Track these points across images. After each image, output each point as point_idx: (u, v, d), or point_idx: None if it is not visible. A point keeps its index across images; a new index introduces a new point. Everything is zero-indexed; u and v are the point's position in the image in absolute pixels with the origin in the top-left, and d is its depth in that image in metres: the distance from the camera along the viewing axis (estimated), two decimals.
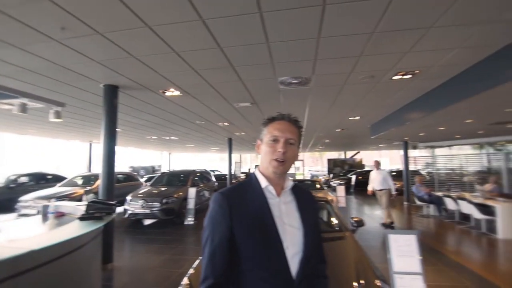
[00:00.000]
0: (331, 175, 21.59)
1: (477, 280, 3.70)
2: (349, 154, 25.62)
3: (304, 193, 1.12)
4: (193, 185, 8.47)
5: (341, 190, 7.75)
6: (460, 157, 10.56)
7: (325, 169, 25.36)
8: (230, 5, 2.28)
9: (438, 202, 7.77)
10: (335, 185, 18.32)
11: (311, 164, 37.12)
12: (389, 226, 6.77)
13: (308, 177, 26.79)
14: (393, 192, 6.96)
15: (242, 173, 15.59)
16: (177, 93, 4.81)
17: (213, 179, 11.04)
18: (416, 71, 3.92)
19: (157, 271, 4.14)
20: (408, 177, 10.71)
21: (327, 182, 19.63)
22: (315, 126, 9.13)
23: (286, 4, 2.26)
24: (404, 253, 2.13)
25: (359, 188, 15.99)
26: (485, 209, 5.92)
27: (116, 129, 4.55)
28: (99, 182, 4.50)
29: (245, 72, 3.90)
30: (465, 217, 6.89)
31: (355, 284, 1.90)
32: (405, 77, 4.13)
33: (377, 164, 7.24)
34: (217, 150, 19.72)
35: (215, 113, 6.76)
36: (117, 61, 3.42)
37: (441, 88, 4.53)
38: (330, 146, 18.71)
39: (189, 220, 7.49)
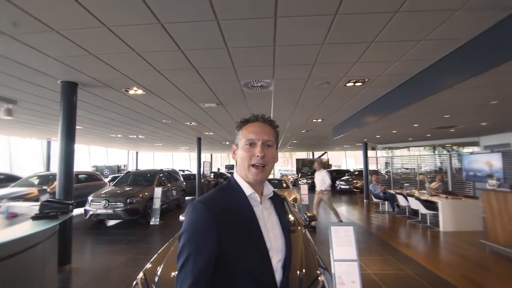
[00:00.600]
0: (299, 175, 22.30)
1: (417, 268, 4.16)
2: (317, 154, 26.58)
3: (277, 196, 1.09)
4: (159, 185, 8.37)
5: (304, 189, 8.13)
6: (414, 158, 11.55)
7: (295, 168, 26.11)
8: (188, 11, 2.40)
9: (391, 199, 8.45)
10: (301, 183, 19.07)
11: (282, 164, 37.98)
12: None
13: (278, 176, 27.48)
14: (323, 189, 6.74)
15: (212, 172, 15.57)
16: (140, 91, 4.79)
17: (181, 178, 10.95)
18: (366, 79, 4.31)
19: (118, 271, 4.12)
20: (367, 177, 11.46)
21: (295, 181, 20.34)
22: (282, 127, 9.44)
23: (240, 14, 2.44)
24: (343, 243, 2.40)
25: None
26: (430, 205, 6.59)
27: (76, 127, 4.43)
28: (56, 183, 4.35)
29: (208, 75, 4.02)
30: (415, 213, 7.58)
31: (298, 272, 2.12)
32: (357, 84, 4.52)
33: (318, 165, 7.26)
34: (187, 149, 19.46)
35: (181, 113, 6.77)
36: (75, 58, 3.37)
37: (390, 94, 5.00)
38: (299, 146, 19.31)
39: (155, 220, 7.42)
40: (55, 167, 4.33)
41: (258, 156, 0.94)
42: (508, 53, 2.49)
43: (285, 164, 40.23)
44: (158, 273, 2.20)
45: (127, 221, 7.33)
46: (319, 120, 8.12)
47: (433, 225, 6.58)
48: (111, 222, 7.55)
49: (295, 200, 7.68)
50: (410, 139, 10.12)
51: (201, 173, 12.40)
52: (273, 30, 2.71)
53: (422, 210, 6.60)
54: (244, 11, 2.39)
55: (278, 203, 1.08)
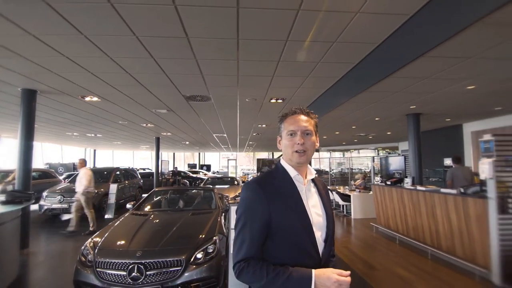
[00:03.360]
0: (259, 173, 23.69)
1: None
2: (278, 154, 28.22)
3: (320, 182, 1.21)
4: (115, 182, 8.94)
5: None
6: (346, 159, 13.35)
7: (256, 168, 27.46)
8: (128, 50, 3.32)
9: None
10: None
11: (247, 163, 39.31)
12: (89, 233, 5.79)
13: (240, 175, 28.68)
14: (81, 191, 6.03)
15: (170, 171, 16.15)
16: (96, 99, 5.52)
17: (139, 176, 11.51)
18: (284, 98, 5.52)
19: (71, 253, 4.83)
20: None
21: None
22: (233, 131, 10.51)
23: (169, 54, 3.42)
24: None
25: None
26: (347, 197, 8.09)
27: (34, 128, 5.04)
28: (13, 176, 4.92)
29: (154, 89, 4.91)
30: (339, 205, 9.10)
31: (200, 236, 3.16)
32: (278, 101, 5.71)
33: (80, 164, 6.42)
34: (148, 148, 19.71)
35: (136, 116, 7.50)
36: (36, 73, 4.06)
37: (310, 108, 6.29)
38: (259, 147, 20.55)
39: (110, 214, 8.02)
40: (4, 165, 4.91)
41: (298, 143, 1.07)
42: (364, 85, 3.75)
43: (250, 164, 41.74)
44: (102, 239, 3.10)
45: (82, 216, 7.85)
46: (264, 126, 9.32)
47: (348, 213, 8.09)
48: (66, 217, 8.00)
49: (240, 195, 8.78)
50: (343, 143, 11.81)
51: (159, 171, 13.01)
52: (197, 66, 3.73)
53: (340, 201, 8.09)
54: (173, 52, 3.37)
55: (322, 186, 1.20)
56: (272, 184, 1.07)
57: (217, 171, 24.88)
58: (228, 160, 29.62)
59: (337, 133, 8.27)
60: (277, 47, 3.17)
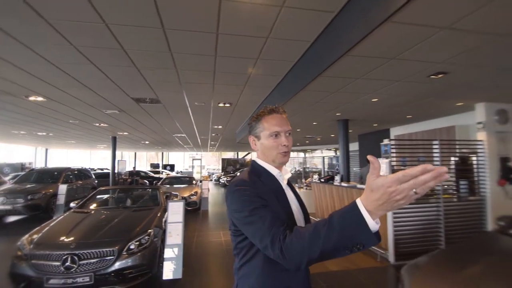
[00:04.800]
0: (223, 173, 23.97)
1: None
2: (242, 154, 28.72)
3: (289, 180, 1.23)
4: (65, 182, 8.74)
5: (206, 184, 9.58)
6: (305, 159, 14.27)
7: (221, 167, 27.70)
8: (67, 56, 3.52)
9: None
10: (223, 181, 20.63)
11: (214, 163, 39.32)
12: None
13: (205, 174, 28.73)
14: None
15: (128, 171, 15.84)
16: (40, 98, 5.50)
17: (93, 176, 11.25)
18: (231, 103, 5.96)
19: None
20: None
21: (218, 179, 21.98)
22: (191, 131, 10.75)
23: (113, 62, 3.68)
24: (175, 212, 3.84)
25: None
26: None
27: None
28: None
29: (101, 91, 5.06)
30: None
31: (137, 229, 3.48)
32: (226, 105, 6.14)
33: None
34: (106, 147, 19.05)
35: (87, 116, 7.46)
36: None
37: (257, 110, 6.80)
38: (222, 147, 20.82)
39: (59, 215, 7.85)
40: None
41: (284, 145, 1.10)
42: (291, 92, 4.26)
43: (216, 163, 41.78)
44: (39, 235, 3.28)
45: (29, 217, 7.61)
46: (220, 127, 9.69)
47: None
48: (12, 218, 7.70)
49: (195, 193, 9.08)
50: (298, 144, 12.60)
51: (116, 172, 12.78)
52: (140, 74, 4.02)
53: None
54: (114, 61, 3.64)
55: (291, 185, 1.22)
56: (260, 181, 1.07)
57: (181, 171, 24.68)
58: (193, 159, 29.50)
59: (298, 130, 8.93)
60: (208, 61, 3.59)
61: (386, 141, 4.10)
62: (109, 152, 27.09)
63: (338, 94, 4.71)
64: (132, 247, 3.21)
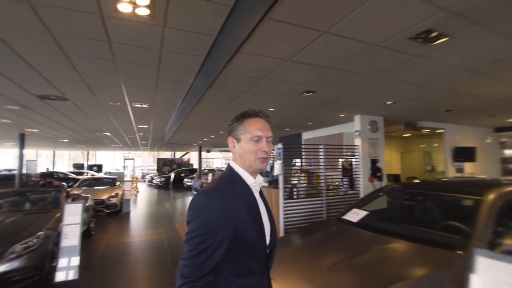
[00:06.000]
0: (158, 173, 23.13)
1: (172, 234, 6.17)
2: (180, 154, 28.09)
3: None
4: None
5: (128, 186, 9.32)
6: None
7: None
8: None
9: None
10: (156, 182, 19.97)
11: (151, 163, 37.35)
12: None
13: (139, 175, 27.31)
14: None
15: (41, 172, 14.23)
16: None
17: None
18: (148, 103, 6.03)
19: None
20: (201, 174, 13.81)
21: (152, 179, 21.15)
22: (115, 130, 10.28)
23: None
24: (72, 214, 3.83)
25: (177, 184, 18.32)
26: None
27: None
28: None
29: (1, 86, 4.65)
30: None
31: (25, 232, 3.40)
32: (144, 106, 6.18)
33: None
34: (14, 145, 16.65)
35: None
36: None
37: (174, 118, 6.97)
38: (156, 146, 20.09)
39: None
40: None
41: (264, 151, 1.06)
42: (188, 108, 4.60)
43: (151, 163, 39.75)
44: None
45: None
46: (145, 126, 9.52)
47: None
48: None
49: (116, 195, 8.76)
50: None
51: (24, 173, 11.39)
52: (35, 71, 3.88)
53: None
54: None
55: (261, 192, 1.16)
56: (231, 192, 1.01)
57: (109, 172, 22.95)
58: (125, 159, 27.69)
59: (221, 132, 9.28)
60: (108, 65, 3.70)
61: (279, 145, 4.76)
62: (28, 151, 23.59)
63: (237, 103, 5.23)
64: (17, 250, 3.15)
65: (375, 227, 2.59)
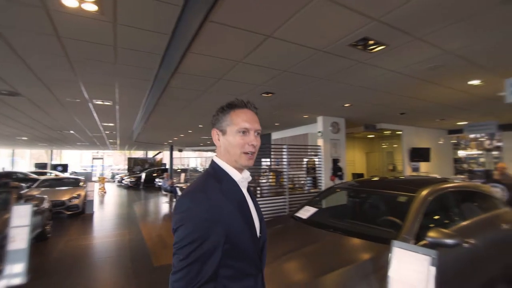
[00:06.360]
0: (128, 173, 22.34)
1: (135, 235, 6.04)
2: (152, 153, 27.35)
3: None
4: None
5: (91, 187, 8.95)
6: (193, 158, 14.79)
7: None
8: None
9: (175, 191, 10.68)
10: (126, 182, 19.31)
11: (123, 162, 35.92)
12: None
13: (109, 175, 26.26)
14: None
15: None
16: None
17: None
18: (111, 101, 5.84)
19: None
20: (172, 174, 13.57)
21: (122, 179, 20.38)
22: (77, 127, 9.82)
23: None
24: (21, 216, 3.63)
25: (148, 184, 17.83)
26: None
27: None
28: None
29: None
30: None
31: None
32: (106, 103, 5.98)
33: None
34: None
35: None
36: None
37: (139, 117, 6.81)
38: (126, 145, 19.41)
39: None
40: None
41: (252, 144, 0.98)
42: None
43: (123, 163, 38.30)
44: None
45: None
46: (111, 124, 9.18)
47: None
48: None
49: (78, 196, 8.38)
50: (201, 144, 12.99)
51: None
52: None
53: (178, 194, 9.03)
54: None
55: (248, 188, 1.09)
56: (220, 191, 0.94)
57: (75, 172, 21.80)
58: (93, 159, 26.40)
59: (189, 131, 9.19)
60: (61, 60, 3.56)
61: None
62: None
63: (199, 102, 5.25)
64: None
65: (321, 224, 2.74)
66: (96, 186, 9.80)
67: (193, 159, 23.47)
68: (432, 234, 2.12)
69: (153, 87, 4.65)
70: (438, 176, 7.80)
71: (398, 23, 2.40)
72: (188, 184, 8.74)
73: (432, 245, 2.05)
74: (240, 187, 1.01)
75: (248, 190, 1.07)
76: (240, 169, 1.02)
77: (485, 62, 3.39)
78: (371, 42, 2.65)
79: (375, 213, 2.97)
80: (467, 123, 7.70)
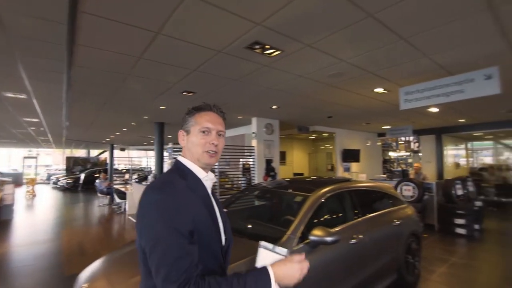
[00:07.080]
0: (66, 174, 20.38)
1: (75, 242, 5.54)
2: (95, 152, 25.33)
3: None
4: None
5: (9, 189, 7.97)
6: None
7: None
8: None
9: (112, 193, 10.00)
10: (62, 183, 17.61)
11: (60, 162, 32.45)
12: None
13: (45, 177, 23.73)
14: None
15: None
16: None
17: None
18: (25, 94, 5.27)
19: None
20: (112, 174, 12.72)
21: (57, 181, 18.45)
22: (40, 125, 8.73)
23: None
24: None
25: (88, 186, 16.39)
26: (123, 195, 8.50)
27: None
28: None
29: None
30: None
31: None
32: (20, 96, 5.38)
33: None
34: None
35: None
36: None
37: (64, 110, 6.26)
38: (59, 143, 17.69)
39: None
40: None
41: (212, 143, 1.01)
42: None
43: (61, 163, 34.68)
44: None
45: None
46: (35, 120, 8.29)
47: (124, 210, 8.56)
48: None
49: None
50: (145, 143, 12.43)
51: None
52: None
53: (116, 199, 8.48)
54: None
55: (213, 191, 1.12)
56: (186, 186, 0.96)
57: (1, 173, 19.17)
58: (25, 158, 23.51)
59: (124, 129, 8.68)
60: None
61: (170, 145, 4.75)
62: None
63: (119, 99, 5.02)
64: None
65: None
66: (23, 188, 8.70)
67: (145, 159, 22.27)
68: (314, 232, 2.16)
69: (68, 81, 4.32)
70: (363, 176, 8.55)
71: (282, 29, 2.46)
72: (127, 187, 8.16)
73: (314, 243, 2.15)
74: (205, 185, 1.03)
75: (213, 193, 1.09)
76: (204, 169, 1.04)
77: (378, 72, 3.65)
78: (267, 46, 2.76)
79: (279, 213, 3.04)
80: (390, 127, 8.57)
